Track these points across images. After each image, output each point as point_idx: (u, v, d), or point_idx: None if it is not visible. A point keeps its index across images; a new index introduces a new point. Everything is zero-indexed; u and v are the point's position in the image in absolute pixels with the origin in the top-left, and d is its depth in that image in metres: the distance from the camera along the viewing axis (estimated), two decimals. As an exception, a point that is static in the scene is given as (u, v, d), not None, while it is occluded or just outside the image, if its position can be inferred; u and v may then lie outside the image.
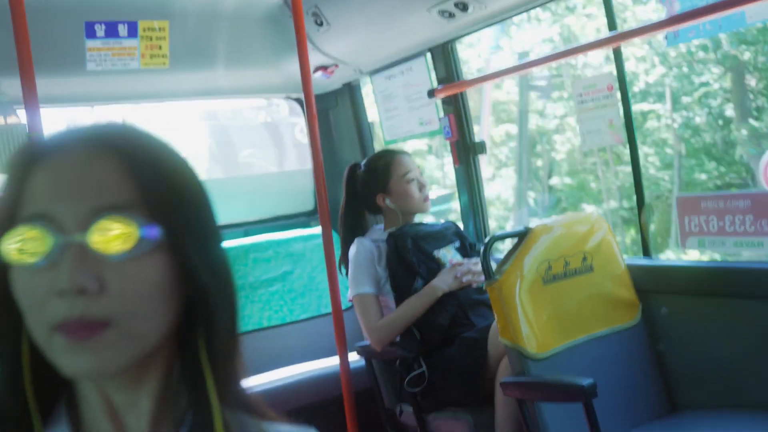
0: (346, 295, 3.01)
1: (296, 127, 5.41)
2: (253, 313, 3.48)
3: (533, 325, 2.24)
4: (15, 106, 2.39)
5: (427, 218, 3.36)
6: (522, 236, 2.36)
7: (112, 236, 0.65)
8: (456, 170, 3.28)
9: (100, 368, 0.66)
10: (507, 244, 2.77)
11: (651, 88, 8.26)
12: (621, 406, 2.28)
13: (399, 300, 2.75)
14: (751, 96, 7.44)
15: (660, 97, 8.28)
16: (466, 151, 3.20)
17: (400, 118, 3.48)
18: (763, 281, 2.18)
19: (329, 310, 3.26)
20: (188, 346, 0.73)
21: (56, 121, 3.37)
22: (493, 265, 2.34)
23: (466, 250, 2.88)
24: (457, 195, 3.37)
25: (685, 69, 7.77)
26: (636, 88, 8.06)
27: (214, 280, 0.72)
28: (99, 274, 0.65)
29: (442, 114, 3.23)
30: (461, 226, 3.18)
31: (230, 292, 0.74)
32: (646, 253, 2.56)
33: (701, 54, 7.51)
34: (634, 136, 2.49)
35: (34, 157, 0.69)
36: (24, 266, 0.66)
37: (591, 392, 1.94)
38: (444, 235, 2.89)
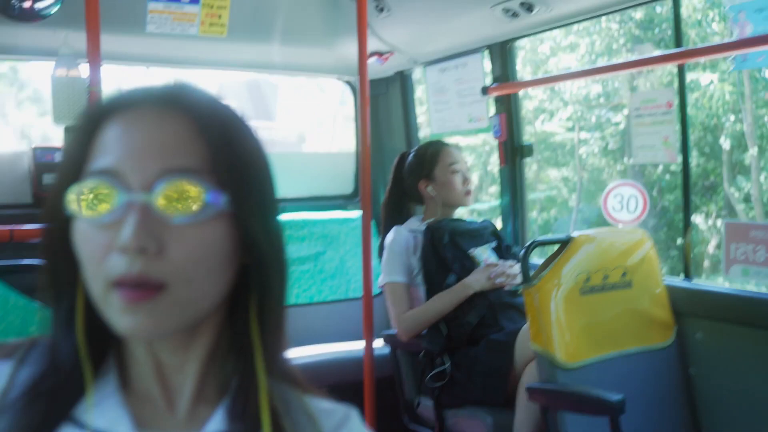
0: (377, 282, 3.01)
1: (342, 111, 5.41)
2: (282, 290, 3.50)
3: (566, 334, 2.22)
4: (78, 60, 2.42)
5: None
6: (564, 244, 2.35)
7: (178, 199, 0.66)
8: (500, 171, 3.26)
9: (152, 330, 0.67)
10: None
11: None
12: (646, 425, 2.26)
13: (429, 293, 2.75)
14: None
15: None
16: (513, 153, 3.18)
17: (449, 111, 3.47)
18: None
19: (357, 294, 3.29)
20: (238, 315, 0.74)
21: (113, 78, 3.40)
22: (531, 270, 2.33)
23: (502, 252, 2.86)
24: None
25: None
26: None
27: (272, 250, 0.73)
28: (160, 236, 0.66)
29: (492, 112, 3.21)
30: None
31: (283, 263, 0.75)
32: (687, 274, 2.53)
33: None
34: (688, 156, 2.45)
35: (105, 111, 0.70)
36: (87, 220, 0.67)
37: (620, 408, 1.93)
38: (481, 234, 2.88)
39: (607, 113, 8.60)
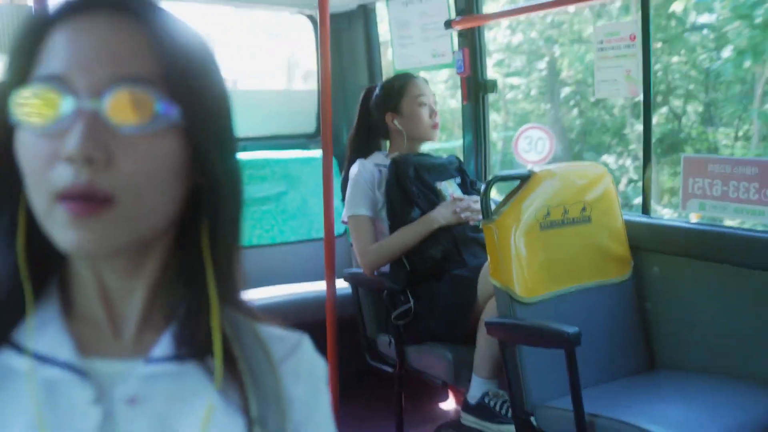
0: (340, 218, 2.99)
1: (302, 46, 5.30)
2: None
3: (525, 269, 2.23)
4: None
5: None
6: (524, 179, 2.33)
7: (128, 107, 0.63)
8: (463, 107, 3.22)
9: (98, 246, 0.63)
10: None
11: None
12: (601, 358, 2.30)
13: (393, 228, 2.73)
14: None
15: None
16: (476, 89, 3.14)
17: (413, 47, 3.40)
18: (757, 250, 2.17)
19: (320, 235, 3.25)
20: (189, 238, 0.72)
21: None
22: (492, 206, 2.32)
23: (467, 187, 2.85)
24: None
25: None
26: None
27: (225, 169, 0.70)
28: (108, 146, 0.62)
29: (456, 48, 3.16)
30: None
31: (238, 185, 0.73)
32: (646, 210, 2.54)
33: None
34: (650, 91, 2.43)
35: (53, 16, 0.66)
36: (32, 127, 0.63)
37: (575, 341, 1.95)
38: (446, 168, 2.85)
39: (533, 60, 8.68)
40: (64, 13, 0.66)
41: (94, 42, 0.64)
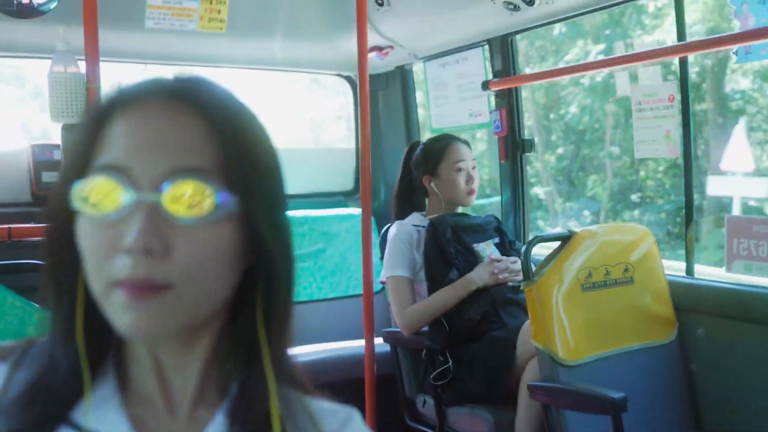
0: (378, 278, 3.00)
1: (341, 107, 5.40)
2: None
3: (567, 331, 2.21)
4: (75, 56, 2.40)
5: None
6: (565, 240, 2.33)
7: (187, 200, 0.64)
8: (501, 166, 3.24)
9: (155, 329, 0.65)
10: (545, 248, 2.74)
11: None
12: (647, 422, 2.25)
13: (432, 289, 2.73)
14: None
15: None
16: (514, 148, 3.16)
17: (449, 107, 3.45)
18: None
19: (358, 291, 3.27)
20: (242, 316, 0.72)
21: (111, 75, 3.39)
22: (533, 267, 2.31)
23: (505, 247, 2.84)
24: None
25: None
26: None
27: (280, 250, 0.71)
28: (166, 237, 0.64)
29: (493, 108, 3.19)
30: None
31: (291, 264, 0.73)
32: (689, 270, 2.51)
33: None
34: (691, 150, 2.43)
35: (114, 104, 0.68)
36: (92, 217, 0.65)
37: (621, 406, 1.91)
38: (485, 229, 2.86)
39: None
40: (123, 101, 0.67)
41: (153, 132, 0.65)
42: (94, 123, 0.68)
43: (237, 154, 0.67)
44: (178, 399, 0.72)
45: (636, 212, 7.39)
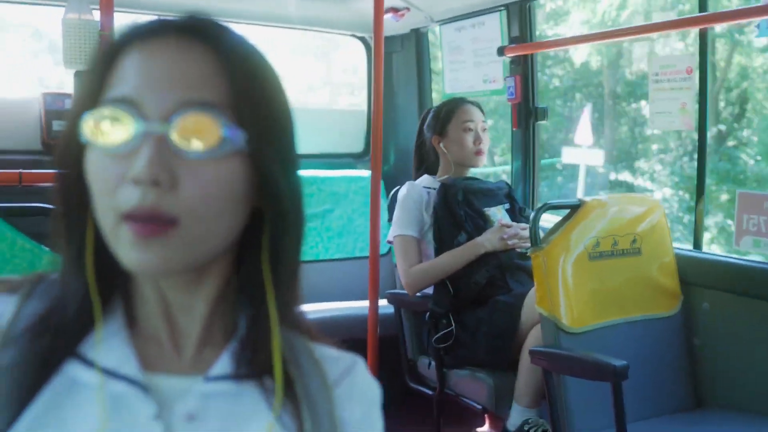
0: (385, 239, 3.01)
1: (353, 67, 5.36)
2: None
3: (572, 299, 2.21)
4: (91, 5, 2.39)
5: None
6: (575, 208, 2.32)
7: (195, 132, 0.64)
8: (513, 133, 3.23)
9: (162, 266, 0.65)
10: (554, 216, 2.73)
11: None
12: (647, 393, 2.26)
13: (439, 251, 2.74)
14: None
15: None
16: (527, 116, 3.14)
17: (464, 71, 3.42)
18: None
19: (364, 253, 3.28)
20: (250, 257, 0.73)
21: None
22: (541, 234, 2.31)
23: (515, 214, 2.84)
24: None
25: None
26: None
27: (289, 192, 0.71)
28: (174, 169, 0.64)
29: (508, 74, 3.17)
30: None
31: (300, 207, 0.74)
32: (697, 244, 2.50)
33: None
34: (706, 124, 2.41)
35: (125, 40, 0.68)
36: (101, 148, 0.65)
37: (622, 374, 1.92)
38: (495, 194, 2.85)
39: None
40: (136, 36, 0.68)
41: (164, 66, 0.66)
42: (105, 58, 0.68)
43: (247, 90, 0.67)
44: (184, 338, 0.73)
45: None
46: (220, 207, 0.66)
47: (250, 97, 0.67)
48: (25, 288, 0.73)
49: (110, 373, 0.68)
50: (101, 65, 0.68)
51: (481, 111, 2.90)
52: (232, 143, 0.65)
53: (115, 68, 0.67)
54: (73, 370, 0.68)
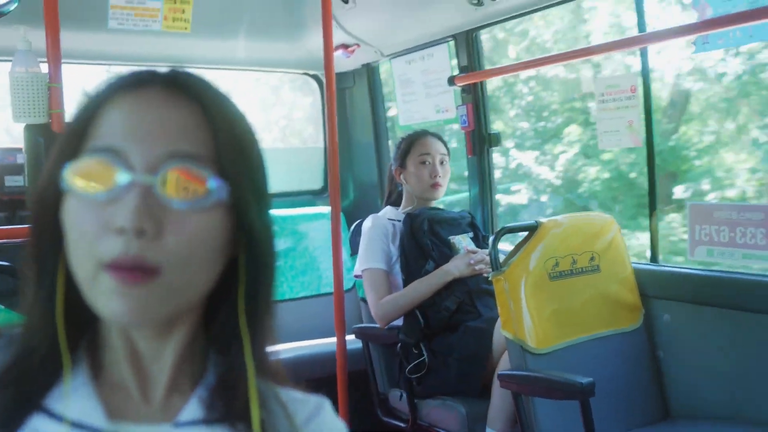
0: (350, 274, 3.01)
1: (307, 105, 5.40)
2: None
3: (535, 320, 2.23)
4: (39, 58, 2.37)
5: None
6: (532, 230, 2.35)
7: (181, 184, 0.65)
8: (468, 160, 3.27)
9: (142, 315, 0.65)
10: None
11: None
12: (616, 408, 2.28)
13: (407, 281, 2.76)
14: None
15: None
16: (480, 142, 3.19)
17: (416, 103, 3.47)
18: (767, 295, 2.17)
19: (328, 290, 3.26)
20: (223, 305, 0.73)
21: (73, 77, 3.35)
22: (501, 257, 2.34)
23: (479, 242, 2.87)
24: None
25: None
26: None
27: (266, 241, 0.72)
28: (159, 219, 0.64)
29: (459, 102, 3.22)
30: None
31: (275, 255, 0.75)
32: (654, 258, 2.55)
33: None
34: (653, 140, 2.47)
35: (109, 90, 0.69)
36: (84, 196, 0.65)
37: (589, 391, 1.94)
38: (459, 223, 2.89)
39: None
40: (121, 87, 0.69)
41: (150, 118, 0.67)
42: (88, 108, 0.69)
43: (229, 143, 0.69)
44: (152, 385, 0.72)
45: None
46: (202, 257, 0.67)
47: (232, 149, 0.69)
48: None
49: (77, 425, 0.67)
50: (84, 115, 0.68)
51: (442, 142, 2.95)
52: (216, 194, 0.67)
53: (98, 118, 0.68)
54: (38, 423, 0.67)
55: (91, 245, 0.64)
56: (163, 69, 0.71)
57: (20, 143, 3.28)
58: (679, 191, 5.52)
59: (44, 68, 2.26)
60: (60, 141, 0.70)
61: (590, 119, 5.90)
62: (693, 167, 5.55)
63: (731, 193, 5.22)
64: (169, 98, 0.68)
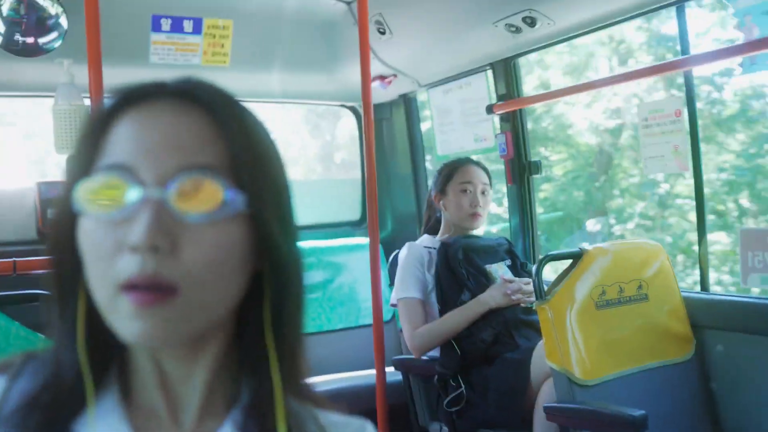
0: (388, 303, 2.97)
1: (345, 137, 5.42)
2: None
3: (582, 351, 2.16)
4: (81, 93, 2.41)
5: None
6: (576, 258, 2.30)
7: (195, 196, 0.62)
8: (508, 189, 3.23)
9: (163, 336, 0.62)
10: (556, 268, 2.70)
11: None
12: (668, 442, 2.19)
13: (443, 311, 2.70)
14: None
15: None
16: (521, 171, 3.15)
17: (454, 133, 3.45)
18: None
19: (367, 321, 3.22)
20: (251, 325, 0.70)
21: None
22: (545, 286, 2.28)
23: (517, 269, 2.81)
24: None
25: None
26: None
27: (289, 255, 0.69)
28: (174, 235, 0.62)
29: (498, 131, 3.19)
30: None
31: (300, 271, 0.71)
32: (704, 286, 2.47)
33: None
34: (700, 164, 2.40)
35: (118, 105, 0.66)
36: (97, 216, 0.63)
37: (641, 424, 1.87)
38: (496, 250, 2.83)
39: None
40: (129, 101, 0.66)
41: (160, 131, 0.64)
42: (96, 125, 0.67)
43: (244, 151, 0.66)
44: (183, 410, 0.70)
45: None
46: (220, 272, 0.64)
47: (248, 158, 0.66)
48: (13, 368, 0.69)
49: None
50: (93, 132, 0.66)
51: (486, 172, 2.91)
52: (232, 206, 0.64)
53: (107, 135, 0.66)
54: None
55: (107, 266, 0.62)
56: (172, 79, 0.69)
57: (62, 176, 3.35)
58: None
59: (87, 103, 2.30)
60: (71, 161, 0.67)
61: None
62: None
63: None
64: (179, 109, 0.66)
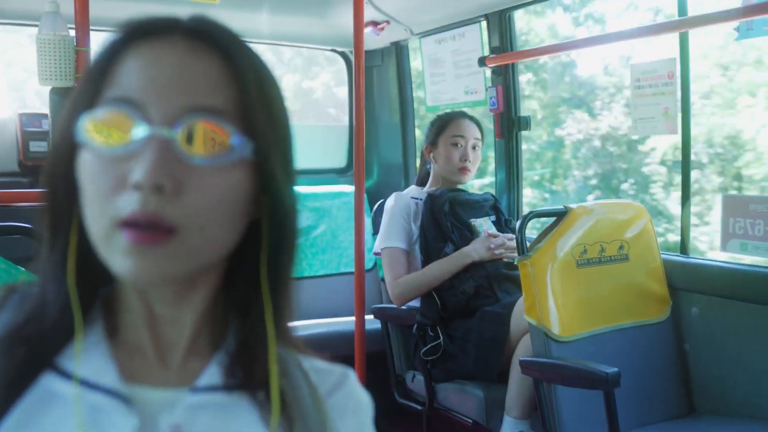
0: (371, 251, 2.98)
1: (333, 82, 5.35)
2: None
3: (560, 307, 2.19)
4: (66, 23, 2.35)
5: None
6: (560, 216, 2.30)
7: (202, 139, 0.61)
8: (496, 143, 3.21)
9: (156, 276, 0.62)
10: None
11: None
12: (638, 400, 2.24)
13: (425, 263, 2.72)
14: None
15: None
16: (509, 125, 3.13)
17: (445, 84, 3.41)
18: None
19: (349, 269, 3.24)
20: (243, 268, 0.71)
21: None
22: (527, 242, 2.29)
23: (501, 226, 2.82)
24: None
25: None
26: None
27: (289, 202, 0.69)
28: (178, 176, 0.61)
29: (489, 84, 3.16)
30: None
31: (297, 218, 0.72)
32: (684, 249, 2.49)
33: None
34: (689, 128, 2.40)
35: (128, 37, 0.64)
36: (99, 149, 0.62)
37: (614, 381, 1.90)
38: (482, 205, 2.84)
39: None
40: (139, 34, 0.65)
41: (172, 69, 0.63)
42: (105, 55, 0.65)
43: (255, 99, 0.65)
44: (169, 349, 0.70)
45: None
46: (221, 217, 0.64)
47: (258, 105, 0.65)
48: None
49: (89, 385, 0.65)
50: (101, 61, 0.64)
51: (479, 127, 2.89)
52: (239, 152, 0.63)
53: (115, 66, 0.64)
54: (49, 382, 0.65)
55: (106, 201, 0.61)
56: (185, 16, 0.67)
57: (45, 109, 3.29)
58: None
59: (72, 33, 2.24)
60: (76, 89, 0.66)
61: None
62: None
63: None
64: (191, 48, 0.64)
